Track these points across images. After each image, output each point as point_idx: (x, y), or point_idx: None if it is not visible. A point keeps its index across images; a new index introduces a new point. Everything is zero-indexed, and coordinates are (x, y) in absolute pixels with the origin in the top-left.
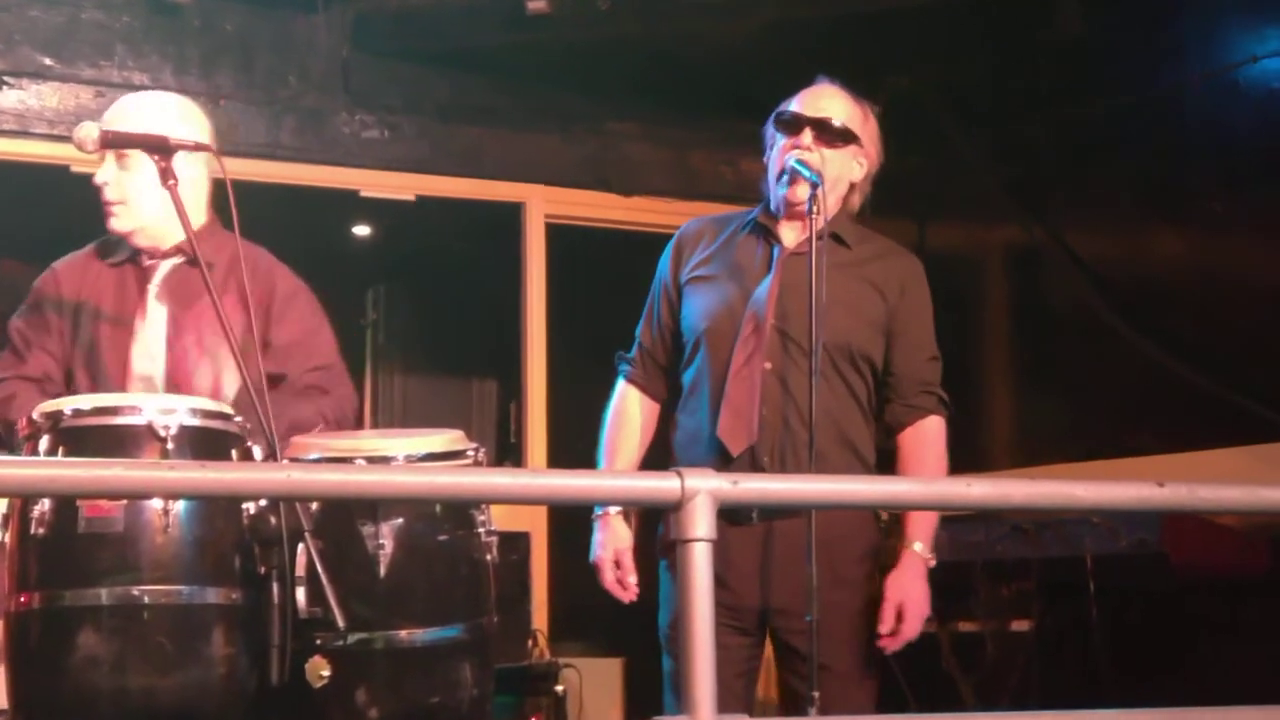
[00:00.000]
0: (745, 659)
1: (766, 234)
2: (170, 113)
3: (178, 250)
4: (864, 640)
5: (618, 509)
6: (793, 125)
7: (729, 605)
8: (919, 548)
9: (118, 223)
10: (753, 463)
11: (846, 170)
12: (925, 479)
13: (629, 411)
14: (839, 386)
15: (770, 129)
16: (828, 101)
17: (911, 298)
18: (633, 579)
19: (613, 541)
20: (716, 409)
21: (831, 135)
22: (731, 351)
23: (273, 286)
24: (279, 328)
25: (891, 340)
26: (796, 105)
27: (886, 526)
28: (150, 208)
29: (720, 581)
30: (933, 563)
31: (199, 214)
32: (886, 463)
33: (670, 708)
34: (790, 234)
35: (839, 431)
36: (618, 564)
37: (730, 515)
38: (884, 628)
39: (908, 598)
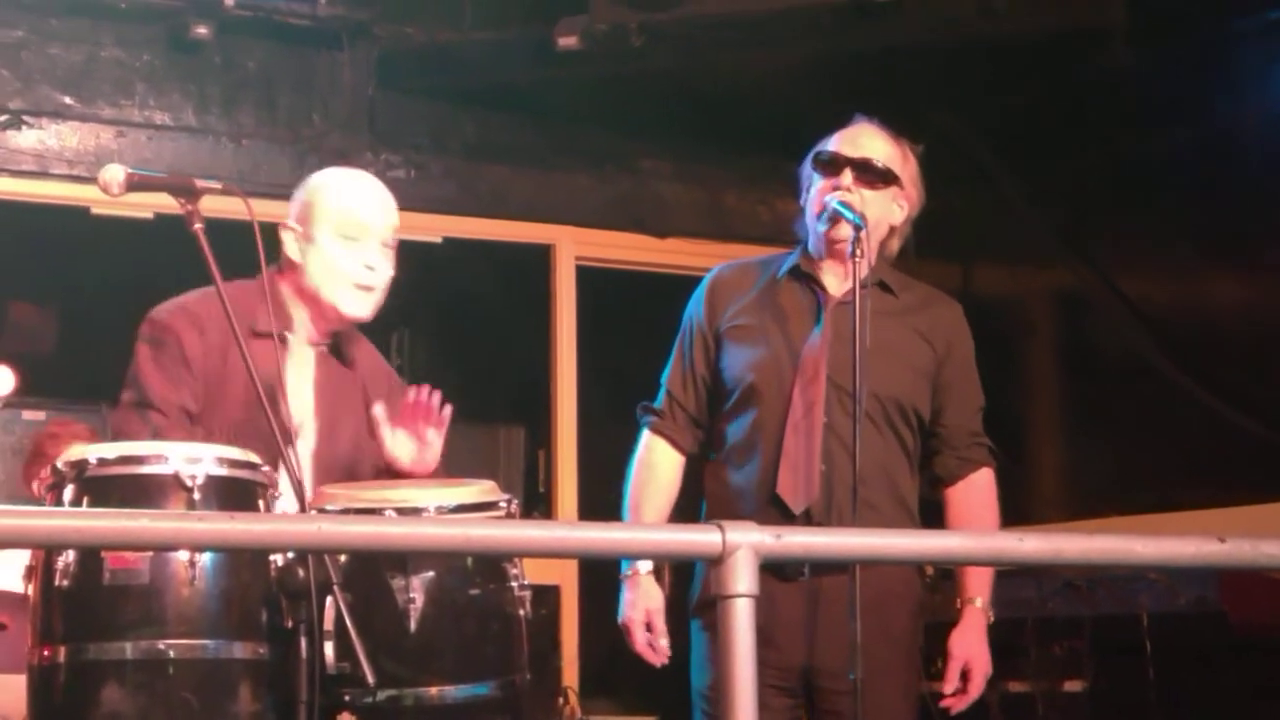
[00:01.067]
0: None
1: (809, 280)
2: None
3: (329, 339)
4: (911, 700)
5: (648, 568)
6: (832, 165)
7: (774, 664)
8: (980, 604)
9: (363, 309)
10: (807, 519)
11: (886, 213)
12: (975, 532)
13: (658, 464)
14: (891, 440)
15: (807, 169)
16: (868, 141)
17: (959, 347)
18: (664, 641)
19: (644, 601)
20: (771, 464)
21: (872, 176)
22: (786, 404)
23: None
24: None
25: (941, 391)
26: (835, 145)
27: (932, 581)
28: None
29: (767, 639)
30: (990, 619)
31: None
32: (929, 514)
33: None
34: (833, 280)
35: (891, 485)
36: (648, 626)
37: (778, 570)
38: (948, 687)
39: (973, 656)
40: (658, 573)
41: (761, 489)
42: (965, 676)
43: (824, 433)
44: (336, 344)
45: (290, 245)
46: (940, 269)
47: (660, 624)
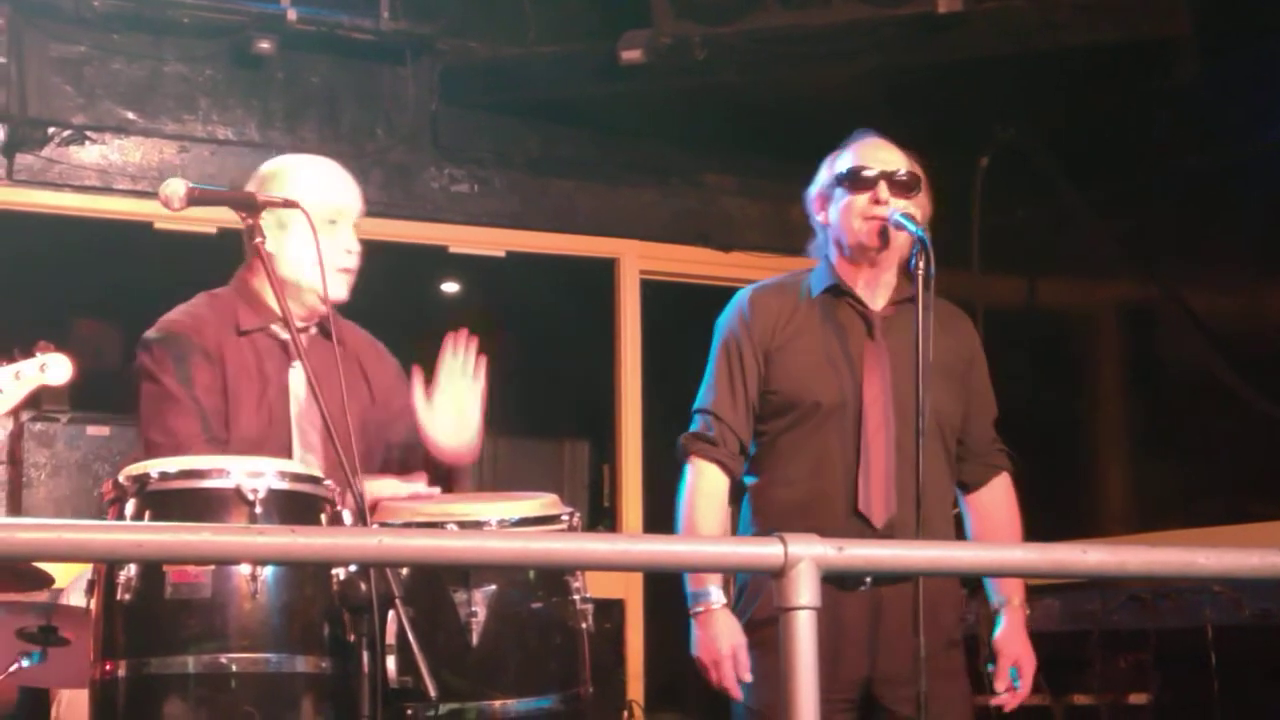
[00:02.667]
0: None
1: (848, 296)
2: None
3: (315, 322)
4: (969, 701)
5: (722, 601)
6: (866, 181)
7: (838, 677)
8: (1018, 602)
9: (341, 292)
10: (890, 532)
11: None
12: (1039, 545)
13: (715, 492)
14: (943, 456)
15: (824, 189)
16: (888, 153)
17: (979, 357)
18: (747, 674)
19: (729, 636)
20: (846, 479)
21: (903, 187)
22: (855, 420)
23: (392, 364)
24: (398, 400)
25: (968, 400)
26: (859, 160)
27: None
28: None
29: (831, 652)
30: (1027, 612)
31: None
32: None
33: None
34: (869, 294)
35: (943, 500)
36: (734, 659)
37: (839, 581)
38: (1000, 685)
39: (1022, 655)
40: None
41: (835, 505)
42: (1019, 675)
43: (895, 453)
44: (323, 326)
45: (258, 236)
46: (1005, 282)
47: (745, 658)
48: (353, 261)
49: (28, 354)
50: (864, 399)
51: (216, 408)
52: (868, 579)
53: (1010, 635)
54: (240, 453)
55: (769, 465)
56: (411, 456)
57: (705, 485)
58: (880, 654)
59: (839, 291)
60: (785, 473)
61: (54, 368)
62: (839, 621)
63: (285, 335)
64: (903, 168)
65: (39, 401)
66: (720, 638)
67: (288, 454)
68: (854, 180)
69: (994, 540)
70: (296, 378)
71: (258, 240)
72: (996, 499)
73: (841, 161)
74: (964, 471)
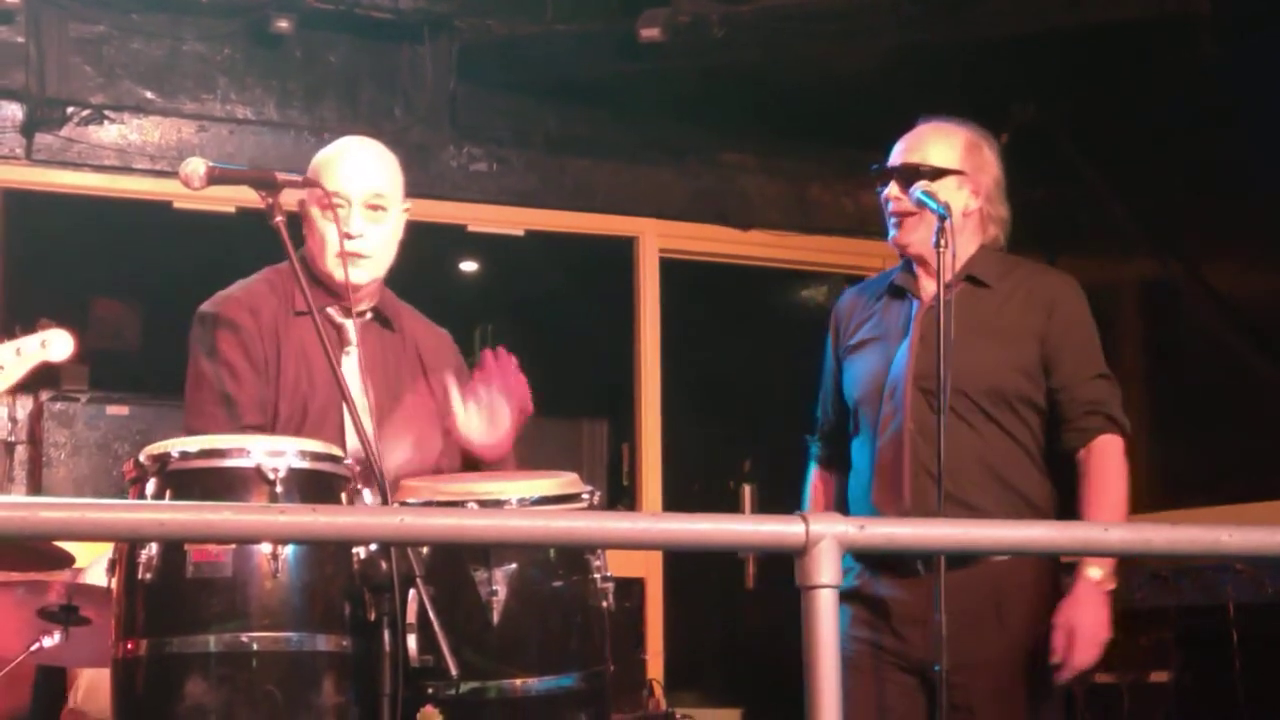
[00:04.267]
0: (917, 702)
1: (905, 292)
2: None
3: (370, 307)
4: (1032, 695)
5: None
6: (881, 178)
7: (896, 652)
8: (1092, 572)
9: (359, 275)
10: None
11: (954, 204)
12: (1060, 523)
13: (823, 496)
14: (993, 432)
15: None
16: (914, 143)
17: (1062, 317)
18: None
19: None
20: (866, 473)
21: (913, 179)
22: (878, 418)
23: (448, 353)
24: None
25: (1050, 367)
26: (892, 154)
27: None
28: (388, 263)
29: (890, 630)
30: (1110, 585)
31: (382, 267)
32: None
33: None
34: (926, 285)
35: (997, 477)
36: None
37: (895, 567)
38: (1054, 657)
39: (1076, 623)
40: None
41: (866, 504)
42: (1070, 645)
43: (912, 439)
44: (379, 312)
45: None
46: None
47: None
48: (357, 246)
49: (29, 330)
50: (885, 394)
51: (254, 393)
52: (919, 566)
53: (1069, 605)
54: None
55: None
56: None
57: (810, 488)
58: (950, 637)
59: (894, 288)
60: (851, 473)
61: (55, 344)
62: (896, 607)
63: (341, 320)
64: (926, 160)
65: (59, 381)
66: None
67: (340, 439)
68: (876, 179)
69: (1085, 505)
70: (349, 364)
71: (277, 219)
72: (1091, 463)
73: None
74: (1060, 439)
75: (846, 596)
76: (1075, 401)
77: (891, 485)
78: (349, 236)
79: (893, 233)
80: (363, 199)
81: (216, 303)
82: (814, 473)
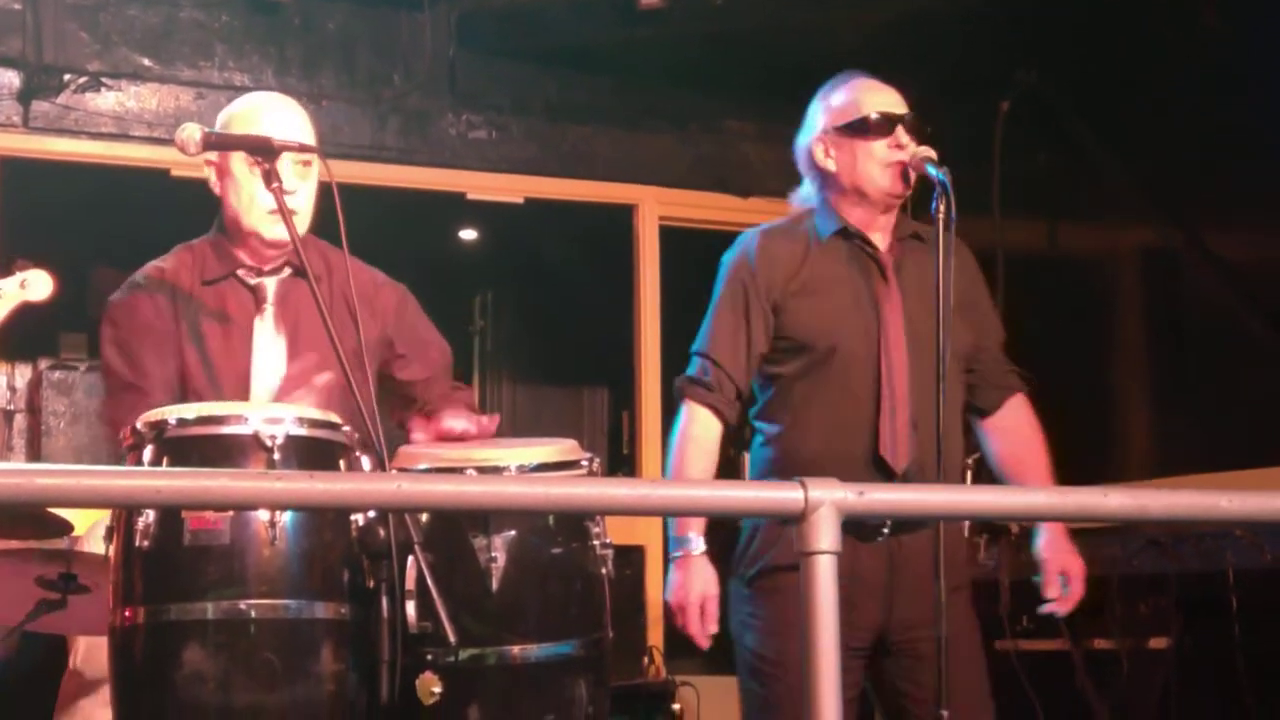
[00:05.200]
0: (857, 683)
1: (858, 239)
2: (297, 118)
3: (285, 263)
4: (979, 649)
5: (701, 549)
6: (883, 125)
7: (855, 624)
8: None
9: (281, 233)
10: (905, 480)
11: None
12: (1059, 489)
13: (704, 438)
14: (959, 392)
15: (826, 130)
16: (893, 96)
17: (978, 282)
18: (713, 625)
19: (700, 585)
20: (866, 426)
21: (918, 130)
22: (874, 365)
23: (387, 298)
24: (407, 338)
25: (974, 327)
26: (872, 105)
27: (1016, 540)
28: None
29: (847, 599)
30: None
31: (307, 221)
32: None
33: None
34: (879, 236)
35: (961, 442)
36: (702, 609)
37: (858, 531)
38: (1052, 592)
39: (1068, 560)
40: (710, 554)
41: (856, 449)
42: (1067, 581)
43: (914, 390)
44: (295, 267)
45: (212, 180)
46: (1026, 228)
47: (714, 609)
48: (289, 201)
49: (7, 272)
50: (884, 343)
51: (156, 374)
52: (885, 529)
53: (1052, 542)
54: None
55: (785, 412)
56: (430, 393)
57: (696, 430)
58: (896, 601)
59: (848, 234)
60: (803, 419)
61: (34, 284)
62: (855, 571)
63: (253, 281)
64: (907, 110)
65: (58, 350)
66: (693, 585)
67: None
68: (869, 126)
69: (1020, 461)
70: (262, 325)
71: (274, 185)
72: (1017, 420)
73: (842, 105)
74: (978, 397)
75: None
76: (996, 361)
77: (902, 435)
78: (287, 192)
79: (898, 185)
80: (291, 155)
81: (119, 293)
82: (701, 413)
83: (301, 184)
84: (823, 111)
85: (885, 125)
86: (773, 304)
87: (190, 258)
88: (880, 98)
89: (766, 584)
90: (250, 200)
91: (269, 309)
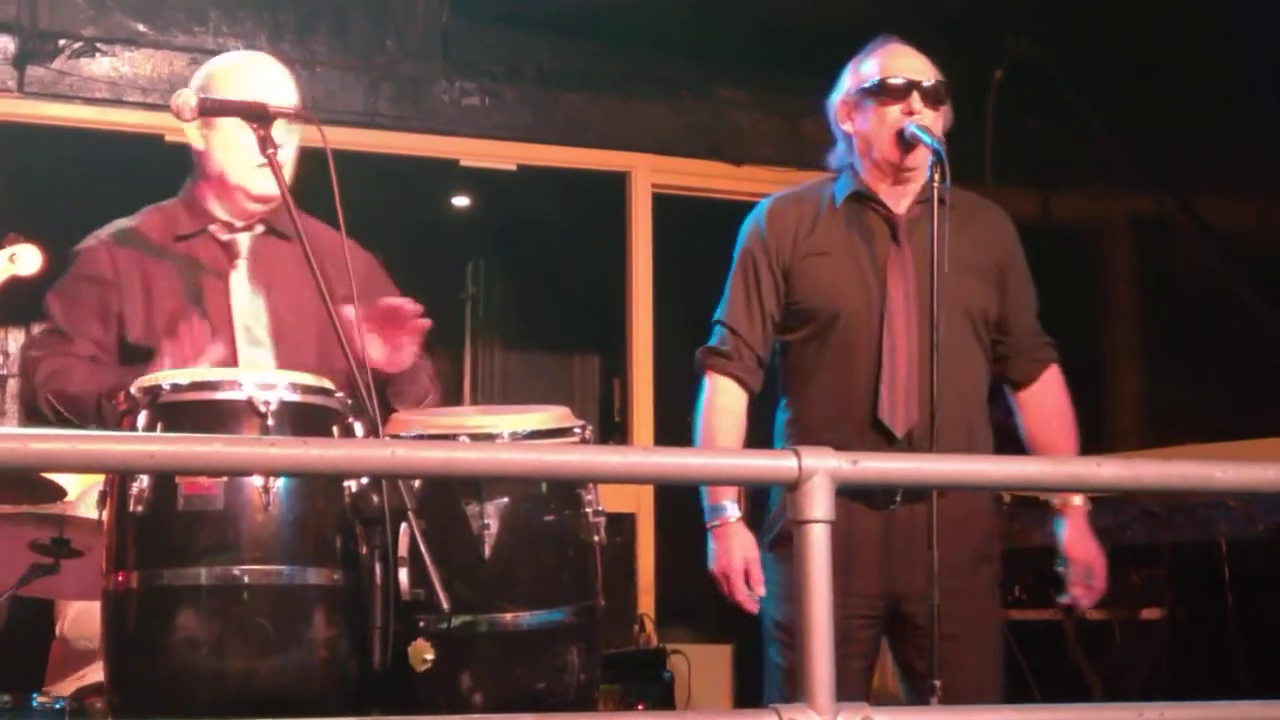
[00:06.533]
0: (869, 652)
1: (872, 203)
2: (282, 78)
3: (259, 220)
4: (991, 624)
5: (737, 515)
6: (897, 90)
7: (858, 592)
8: (1079, 500)
9: (268, 187)
10: (909, 444)
11: (935, 129)
12: (1052, 458)
13: (730, 408)
14: (977, 355)
15: (850, 93)
16: (917, 62)
17: (1016, 252)
18: (761, 589)
19: (741, 550)
20: (868, 388)
21: (934, 96)
22: (878, 327)
23: (356, 261)
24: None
25: (1006, 296)
26: (890, 69)
27: (1009, 509)
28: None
29: (849, 566)
30: (1090, 507)
31: (289, 177)
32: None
33: (772, 701)
34: (894, 200)
35: (981, 403)
36: (747, 575)
37: (869, 499)
38: (1076, 590)
39: (1091, 555)
40: (745, 520)
41: (856, 414)
42: (1090, 575)
43: (924, 357)
44: (270, 225)
45: (194, 136)
46: (1018, 196)
47: (758, 572)
48: (278, 156)
49: None
50: (887, 307)
51: (87, 330)
52: (898, 498)
53: (1077, 538)
54: (177, 362)
55: (796, 378)
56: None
57: (721, 400)
58: (899, 570)
59: (862, 197)
60: (810, 385)
61: (24, 258)
62: (857, 539)
63: (225, 236)
64: (931, 77)
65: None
66: (734, 551)
67: (233, 357)
68: (885, 90)
69: (1049, 435)
70: (238, 279)
71: (270, 151)
72: (1047, 392)
73: (867, 69)
74: (1010, 369)
75: (783, 537)
76: (1030, 332)
77: (902, 398)
78: (276, 146)
79: (900, 153)
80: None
81: (83, 242)
82: (723, 383)
83: (288, 139)
84: (850, 73)
85: (899, 91)
86: (783, 270)
87: (160, 216)
88: (901, 63)
89: (782, 551)
90: (239, 155)
91: (242, 263)
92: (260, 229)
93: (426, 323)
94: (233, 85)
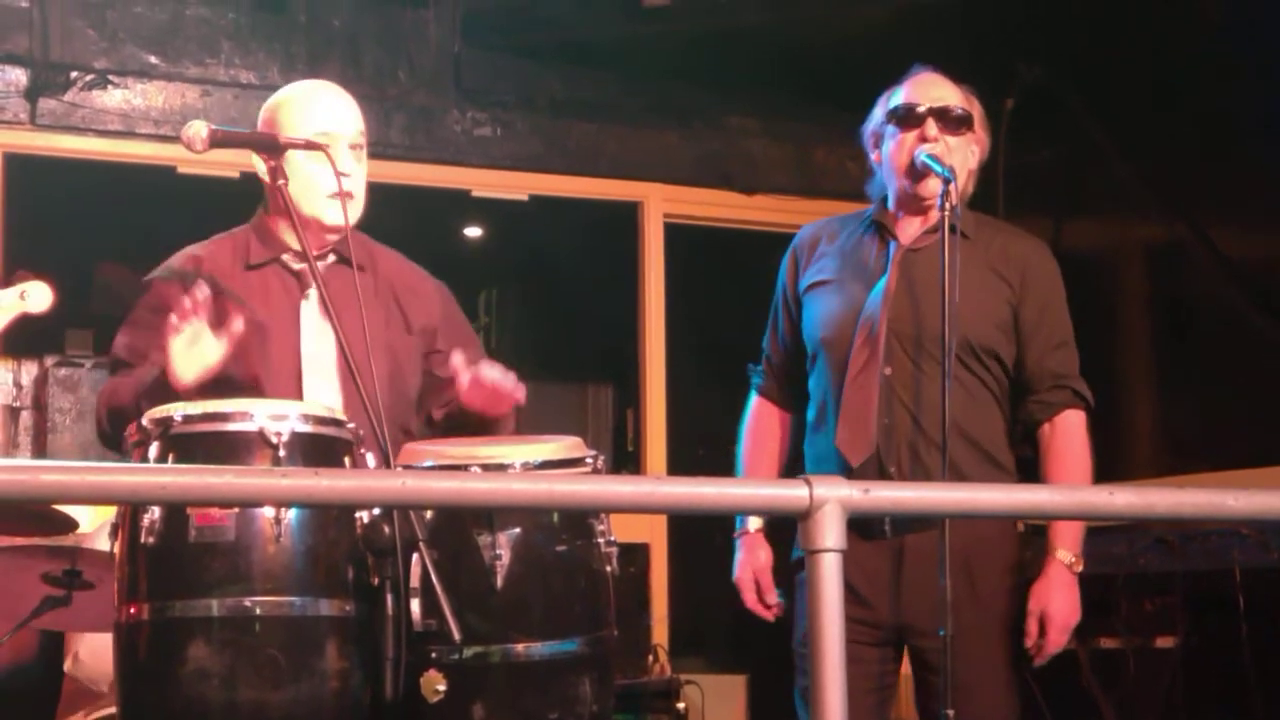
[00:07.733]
0: (879, 674)
1: (883, 231)
2: (344, 105)
3: (331, 250)
4: (1005, 659)
5: (757, 525)
6: (914, 117)
7: (865, 621)
8: (1063, 555)
9: (339, 218)
10: (880, 474)
11: (966, 159)
12: (1064, 486)
13: (762, 426)
14: (972, 386)
15: (876, 125)
16: (940, 89)
17: (1036, 284)
18: (772, 598)
19: (752, 561)
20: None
21: (953, 123)
22: (848, 358)
23: (431, 292)
24: (448, 334)
25: (1021, 332)
26: (910, 96)
27: (1023, 538)
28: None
29: (856, 597)
30: (1079, 568)
31: (361, 208)
32: (1029, 469)
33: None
34: (908, 229)
35: (963, 433)
36: (758, 584)
37: (863, 529)
38: (1027, 640)
39: (1050, 607)
40: (768, 533)
41: (827, 444)
42: (1042, 630)
43: (886, 383)
44: (340, 255)
45: (261, 168)
46: (1031, 223)
47: (768, 581)
48: (347, 185)
49: (7, 283)
50: (855, 335)
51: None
52: (886, 527)
53: (1042, 588)
54: (244, 391)
55: (808, 407)
56: None
57: (751, 419)
58: (906, 602)
59: (876, 226)
60: (813, 414)
61: (34, 295)
62: (862, 570)
63: (298, 266)
64: (954, 103)
65: (63, 347)
66: (745, 563)
67: (298, 388)
68: (903, 117)
69: (1054, 482)
70: (308, 308)
71: (280, 182)
72: (1058, 436)
73: (895, 98)
74: (1021, 412)
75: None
76: (1041, 373)
77: (860, 430)
78: (345, 175)
79: (912, 182)
80: (348, 139)
81: (151, 275)
82: (756, 402)
83: (357, 167)
84: (881, 102)
85: (915, 118)
86: (795, 300)
87: (231, 244)
88: (925, 90)
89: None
90: (311, 185)
91: (312, 293)
92: (332, 258)
93: (521, 393)
94: (295, 116)
